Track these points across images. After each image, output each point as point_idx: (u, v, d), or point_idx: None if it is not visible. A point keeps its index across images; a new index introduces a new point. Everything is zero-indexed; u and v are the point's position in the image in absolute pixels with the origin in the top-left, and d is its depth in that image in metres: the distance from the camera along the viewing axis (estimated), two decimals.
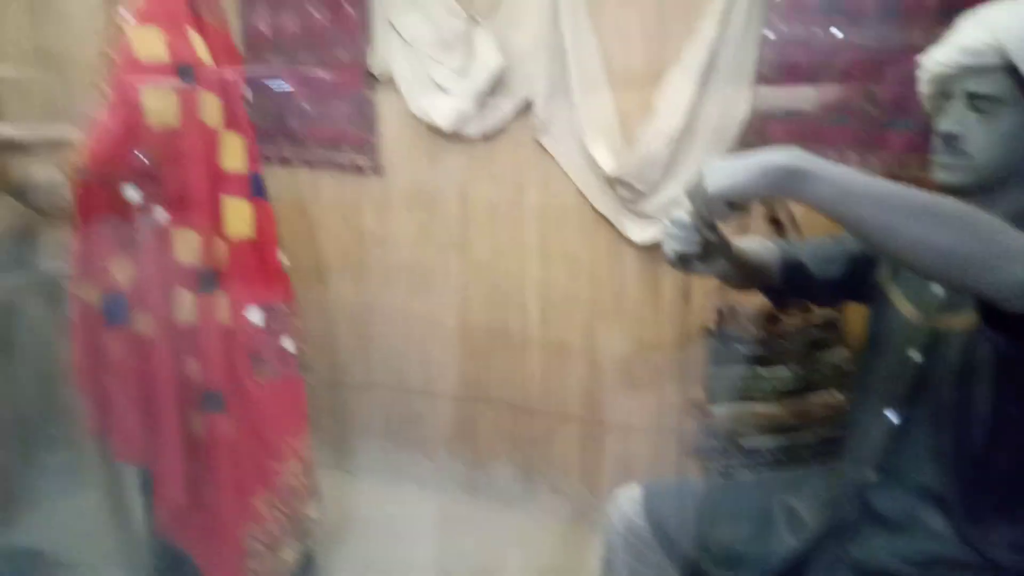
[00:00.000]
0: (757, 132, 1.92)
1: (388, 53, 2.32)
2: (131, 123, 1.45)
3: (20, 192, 1.65)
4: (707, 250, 1.04)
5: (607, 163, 2.03)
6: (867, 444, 1.16)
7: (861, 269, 1.29)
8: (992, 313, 0.84)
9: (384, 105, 2.39)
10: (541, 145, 2.18)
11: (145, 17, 1.48)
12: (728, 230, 1.14)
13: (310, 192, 2.57)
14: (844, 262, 1.31)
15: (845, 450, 1.25)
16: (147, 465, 1.63)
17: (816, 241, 1.38)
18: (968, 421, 1.03)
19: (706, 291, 2.03)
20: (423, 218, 2.41)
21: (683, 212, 0.99)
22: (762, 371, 1.97)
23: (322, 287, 2.59)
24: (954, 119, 1.07)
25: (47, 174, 1.58)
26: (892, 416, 1.13)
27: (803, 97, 1.86)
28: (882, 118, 1.80)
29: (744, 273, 1.21)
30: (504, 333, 2.35)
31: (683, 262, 1.04)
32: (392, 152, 2.42)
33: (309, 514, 1.82)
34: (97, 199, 1.49)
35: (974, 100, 1.04)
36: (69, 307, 1.56)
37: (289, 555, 1.77)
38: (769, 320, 1.94)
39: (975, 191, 1.06)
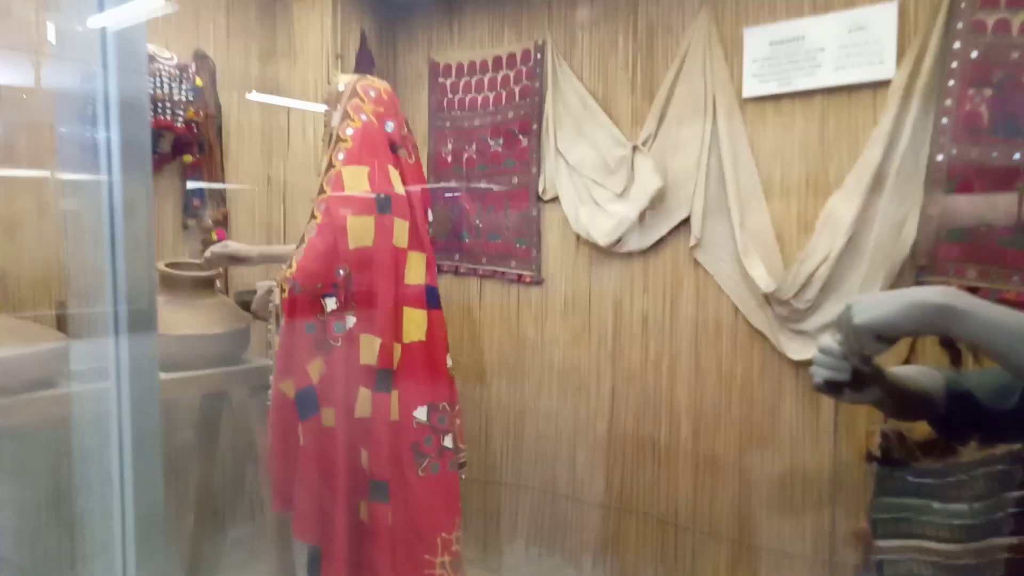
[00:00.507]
0: (928, 254, 1.87)
1: (555, 177, 2.53)
2: (336, 245, 1.71)
3: (242, 298, 1.96)
4: (858, 379, 1.04)
5: (764, 281, 2.04)
6: None
7: None
8: None
9: (547, 222, 2.58)
10: (696, 261, 2.24)
11: (355, 159, 1.76)
12: (886, 359, 1.13)
13: (477, 299, 2.79)
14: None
15: None
16: (319, 543, 1.79)
17: (993, 370, 1.30)
18: None
19: (871, 414, 1.94)
20: (578, 326, 2.52)
21: (833, 340, 1.01)
22: (937, 506, 1.82)
23: (482, 387, 2.75)
24: None
25: (264, 284, 1.88)
26: None
27: (979, 219, 1.80)
28: None
29: (902, 403, 1.18)
30: (653, 444, 2.36)
31: (832, 389, 1.04)
32: (553, 264, 2.59)
33: None
34: (301, 306, 1.75)
35: None
36: (270, 397, 1.81)
37: None
38: (943, 449, 1.81)
39: None
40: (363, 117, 1.84)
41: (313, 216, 1.79)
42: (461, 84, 2.81)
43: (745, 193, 2.13)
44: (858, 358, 0.99)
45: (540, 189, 2.58)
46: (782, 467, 2.11)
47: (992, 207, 1.78)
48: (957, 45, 1.80)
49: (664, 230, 2.30)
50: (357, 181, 1.76)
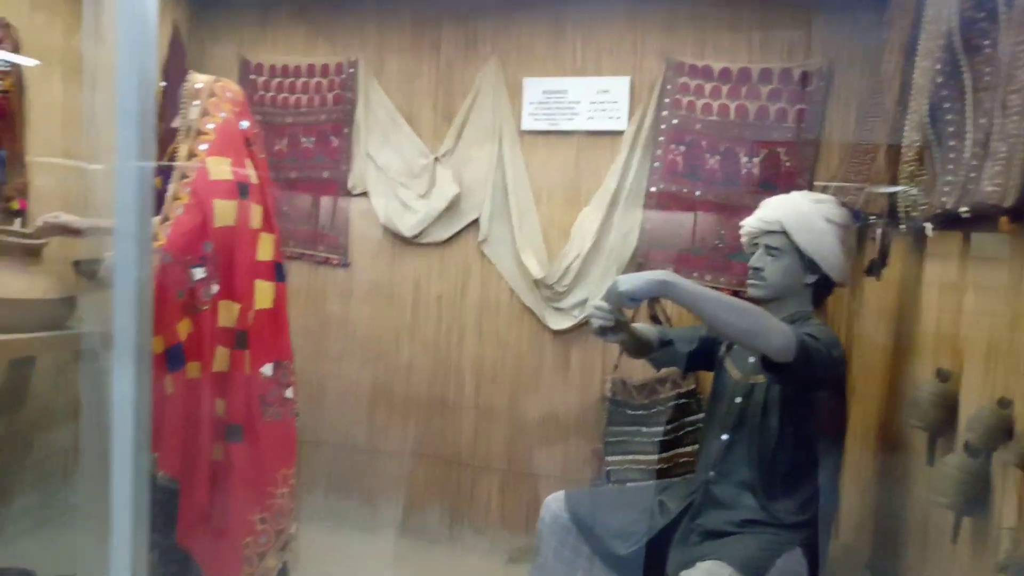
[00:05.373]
0: (644, 256, 2.67)
1: (364, 175, 2.96)
2: (204, 223, 1.98)
3: (89, 267, 2.11)
4: (617, 327, 1.70)
5: (535, 269, 2.71)
6: (709, 456, 1.82)
7: (708, 346, 1.99)
8: (768, 363, 1.54)
9: (355, 214, 3.00)
10: (483, 253, 2.84)
11: (217, 150, 2.05)
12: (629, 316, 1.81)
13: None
14: (699, 342, 2.00)
15: (696, 462, 1.91)
16: (178, 477, 2.04)
17: (682, 328, 2.09)
18: (766, 437, 1.72)
19: (605, 366, 2.70)
20: (381, 304, 2.98)
21: (603, 302, 1.65)
22: (644, 430, 2.63)
23: None
24: (757, 259, 1.82)
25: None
26: (724, 436, 1.80)
27: (675, 234, 2.64)
28: (726, 251, 2.59)
29: (637, 345, 1.88)
30: (441, 400, 2.91)
31: (603, 333, 1.68)
32: (357, 250, 3.01)
33: (291, 531, 2.26)
34: (170, 275, 1.99)
35: (768, 249, 1.80)
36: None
37: (272, 563, 2.19)
38: (650, 390, 2.62)
39: (770, 301, 1.80)
40: (222, 115, 2.12)
41: (177, 197, 2.03)
42: (274, 83, 3.09)
43: (522, 203, 2.79)
44: (619, 312, 1.64)
45: (350, 184, 2.99)
46: (541, 411, 2.80)
47: (683, 226, 2.63)
48: (665, 114, 2.63)
49: (458, 227, 2.87)
50: (221, 170, 2.05)
